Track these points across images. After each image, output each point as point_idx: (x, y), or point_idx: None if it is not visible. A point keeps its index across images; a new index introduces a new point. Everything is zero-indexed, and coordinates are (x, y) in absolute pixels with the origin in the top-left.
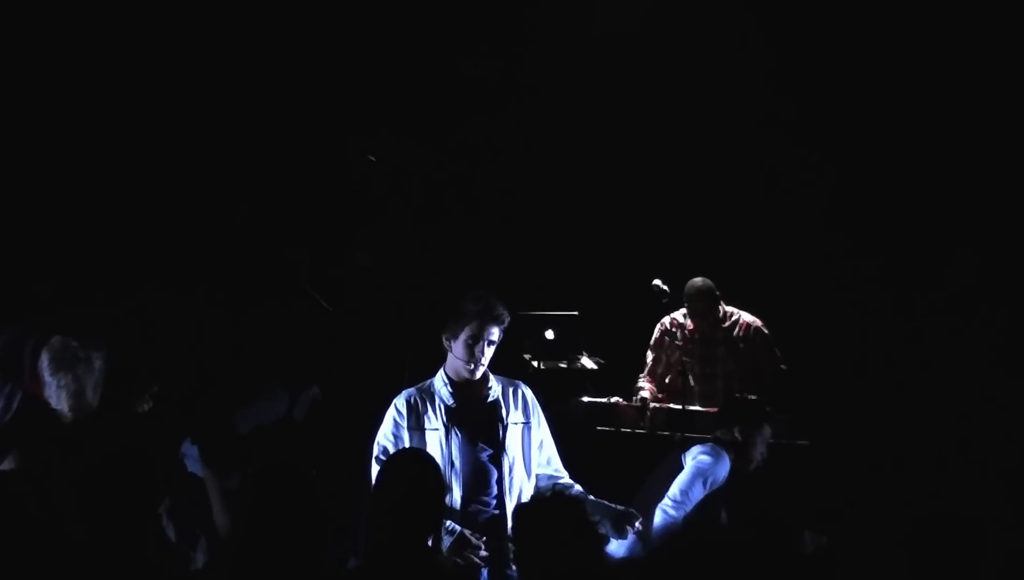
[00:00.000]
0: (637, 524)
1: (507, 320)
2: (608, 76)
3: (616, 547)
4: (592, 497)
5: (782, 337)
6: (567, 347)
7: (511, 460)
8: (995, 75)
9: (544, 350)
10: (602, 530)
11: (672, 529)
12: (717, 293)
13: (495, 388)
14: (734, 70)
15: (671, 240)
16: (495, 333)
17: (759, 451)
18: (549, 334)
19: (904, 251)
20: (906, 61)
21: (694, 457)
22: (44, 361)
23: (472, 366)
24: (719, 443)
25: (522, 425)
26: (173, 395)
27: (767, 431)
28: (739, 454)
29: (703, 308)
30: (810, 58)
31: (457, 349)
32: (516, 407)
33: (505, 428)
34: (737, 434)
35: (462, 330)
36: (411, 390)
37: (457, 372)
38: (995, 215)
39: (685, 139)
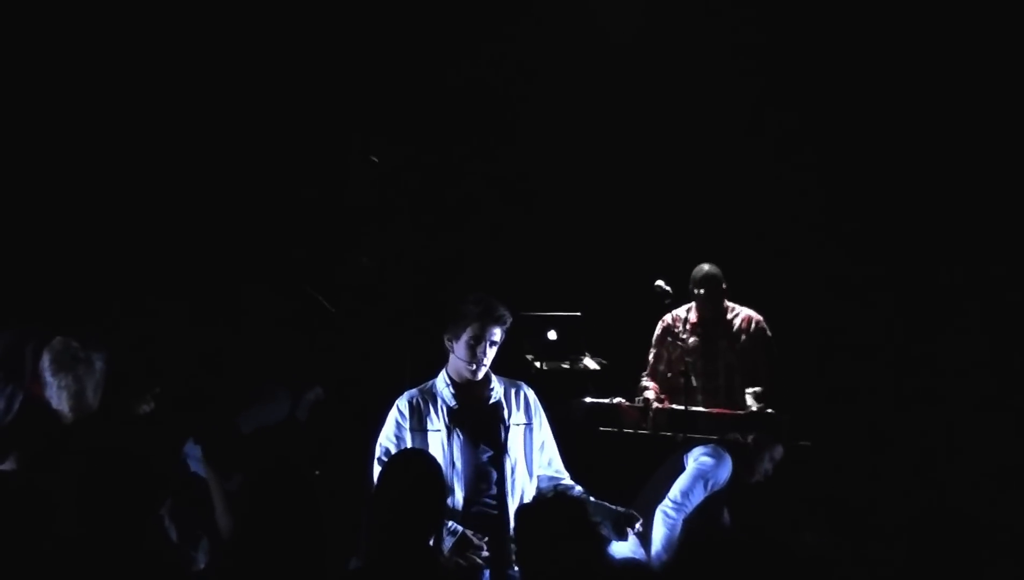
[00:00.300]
0: (638, 526)
1: (509, 321)
2: (609, 76)
3: (617, 548)
4: (593, 498)
5: (784, 338)
6: (569, 348)
7: (513, 461)
8: (994, 75)
9: (546, 351)
10: (603, 531)
11: (673, 533)
12: (723, 282)
13: (497, 389)
14: (735, 71)
15: (674, 241)
16: (497, 334)
17: (764, 467)
18: (551, 335)
19: (905, 252)
20: (905, 60)
21: (696, 458)
22: (45, 362)
23: (474, 367)
24: (722, 445)
25: (524, 426)
26: (175, 396)
27: (778, 451)
28: (744, 463)
29: (709, 292)
30: (810, 58)
31: (459, 350)
32: (518, 408)
33: (507, 429)
34: (750, 440)
35: (464, 331)
36: (413, 391)
37: (459, 373)
38: (995, 215)
39: (687, 140)
